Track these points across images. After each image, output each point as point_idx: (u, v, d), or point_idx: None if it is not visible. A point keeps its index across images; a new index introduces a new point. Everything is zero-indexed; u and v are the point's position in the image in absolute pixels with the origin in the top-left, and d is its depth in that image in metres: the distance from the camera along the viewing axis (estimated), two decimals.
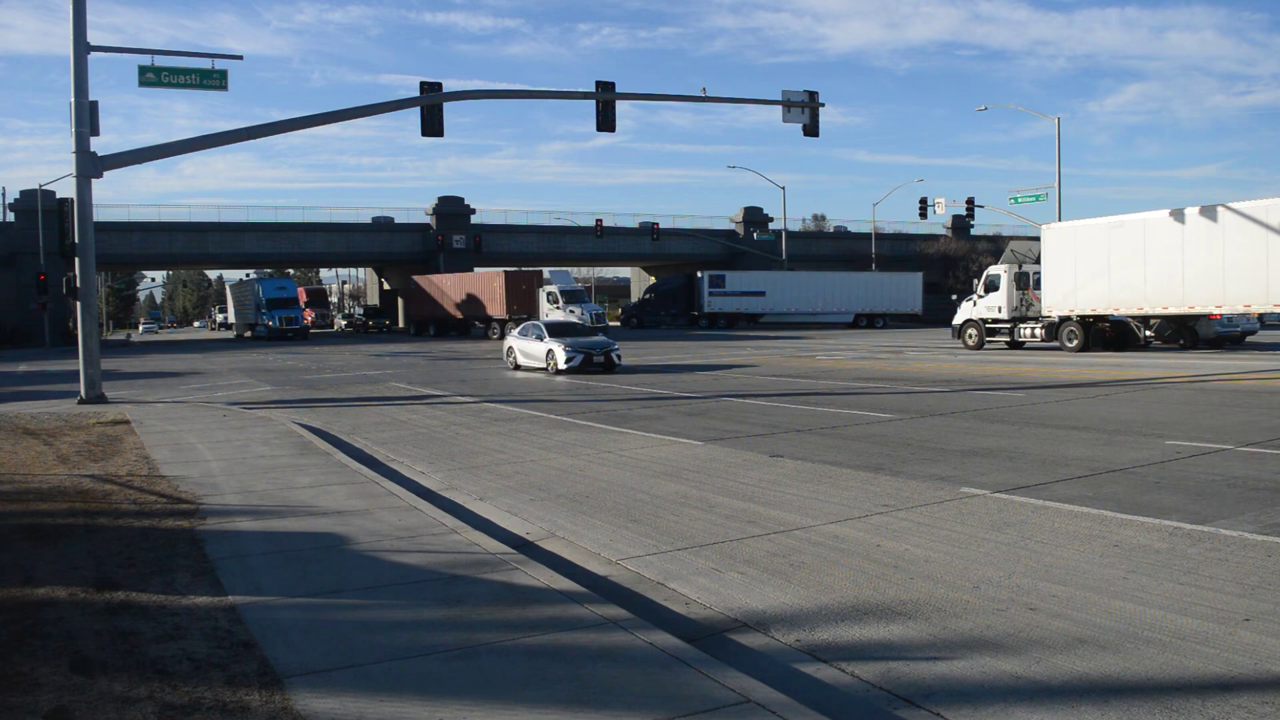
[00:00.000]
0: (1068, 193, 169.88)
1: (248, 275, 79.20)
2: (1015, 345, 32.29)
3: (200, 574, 6.20)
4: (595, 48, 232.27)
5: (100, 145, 18.74)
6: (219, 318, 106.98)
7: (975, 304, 33.15)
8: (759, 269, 69.35)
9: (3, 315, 57.50)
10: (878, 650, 4.89)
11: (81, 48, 18.26)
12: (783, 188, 66.01)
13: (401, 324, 70.10)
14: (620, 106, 25.58)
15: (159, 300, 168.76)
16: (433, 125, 22.58)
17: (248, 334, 66.32)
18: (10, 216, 58.19)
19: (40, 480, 9.74)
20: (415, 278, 59.46)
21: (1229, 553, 6.36)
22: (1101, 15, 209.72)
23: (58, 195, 40.40)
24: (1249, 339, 31.33)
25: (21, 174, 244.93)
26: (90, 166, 18.45)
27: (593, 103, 24.36)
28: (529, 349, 25.41)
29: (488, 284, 50.93)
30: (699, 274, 63.02)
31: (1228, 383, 18.22)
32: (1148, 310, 28.00)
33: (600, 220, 65.10)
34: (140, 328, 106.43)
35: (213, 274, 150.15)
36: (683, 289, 64.25)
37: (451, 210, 69.16)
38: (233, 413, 16.60)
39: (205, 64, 20.39)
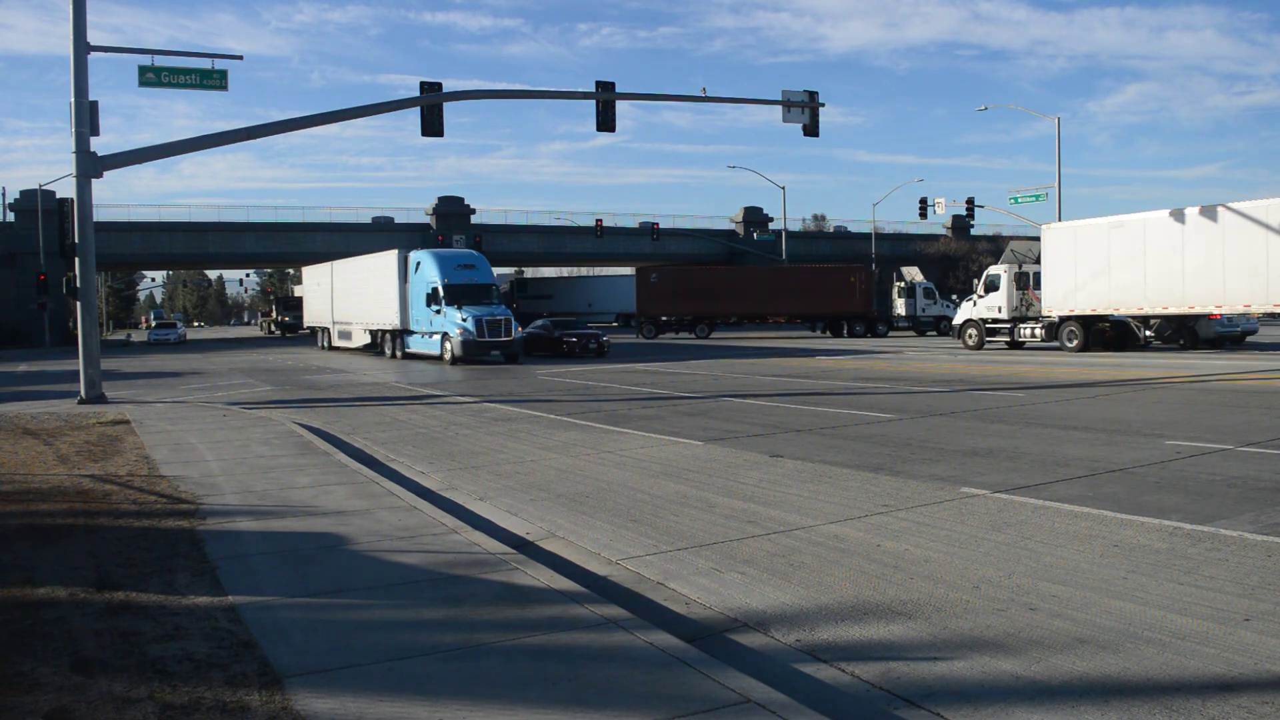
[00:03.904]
0: (1068, 193, 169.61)
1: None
2: (1015, 345, 32.30)
3: (200, 574, 6.19)
4: (595, 48, 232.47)
5: (100, 145, 18.78)
6: (282, 318, 75.60)
7: (975, 304, 33.17)
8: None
9: (3, 315, 57.50)
10: (878, 650, 4.89)
11: (81, 48, 18.26)
12: (783, 188, 65.96)
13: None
14: (620, 106, 25.60)
15: (159, 300, 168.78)
16: (433, 125, 22.58)
17: (395, 353, 34.39)
18: (10, 216, 58.26)
19: (40, 480, 9.73)
20: (663, 270, 52.64)
21: (1229, 553, 6.35)
22: (1101, 15, 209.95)
23: (58, 195, 40.43)
24: (1249, 339, 31.33)
25: (21, 174, 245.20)
26: (90, 166, 18.44)
27: (593, 103, 24.35)
28: None
29: (838, 278, 47.81)
30: None
31: (1228, 383, 18.22)
32: (1148, 310, 27.99)
33: (600, 220, 65.13)
34: (149, 330, 72.43)
35: (213, 274, 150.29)
36: None
37: (451, 210, 69.26)
38: (233, 413, 16.60)
39: (205, 64, 20.40)
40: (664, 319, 50.58)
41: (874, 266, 54.21)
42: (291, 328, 70.72)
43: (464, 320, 29.50)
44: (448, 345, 30.15)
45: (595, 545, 7.16)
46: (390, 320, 34.15)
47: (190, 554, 6.72)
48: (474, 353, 29.53)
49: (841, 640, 5.06)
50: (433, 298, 30.81)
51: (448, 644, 4.86)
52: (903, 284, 48.58)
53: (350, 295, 39.54)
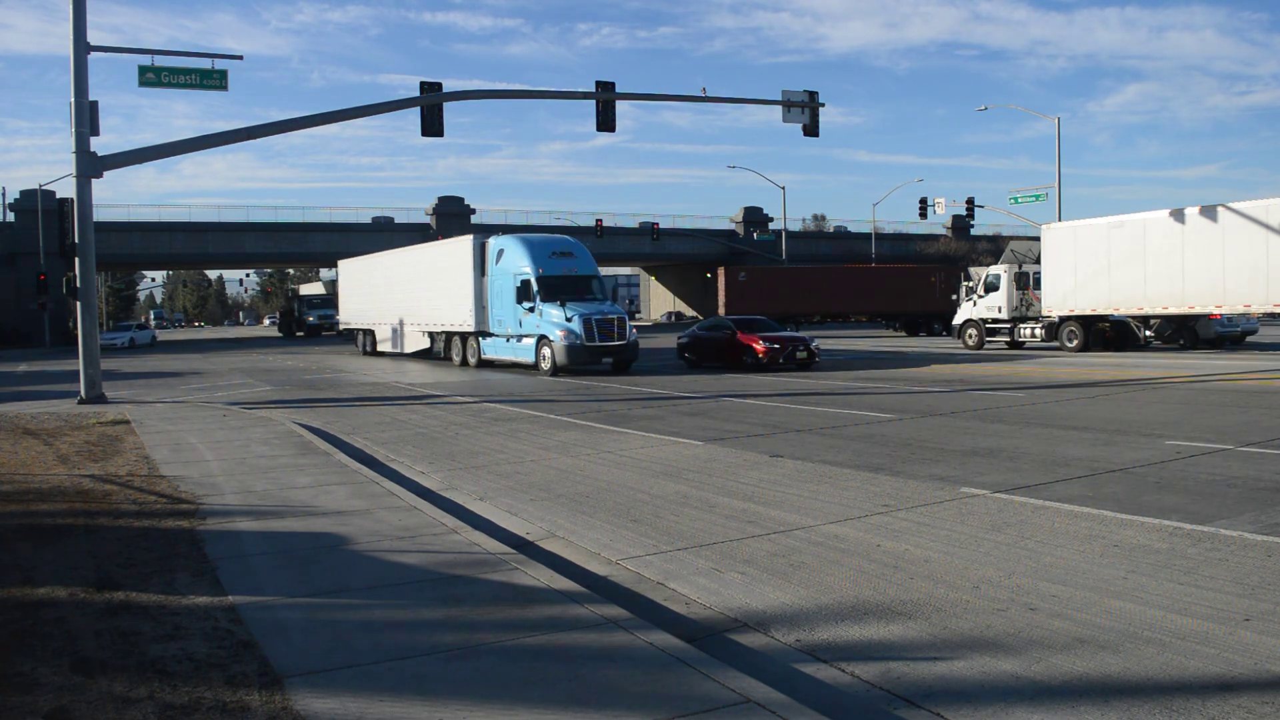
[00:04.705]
0: (1068, 193, 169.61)
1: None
2: (1015, 345, 32.29)
3: (200, 574, 6.19)
4: (595, 48, 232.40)
5: (100, 145, 18.78)
6: (303, 316, 68.40)
7: (975, 304, 33.18)
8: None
9: (3, 315, 57.51)
10: (878, 650, 4.89)
11: (81, 48, 18.26)
12: (783, 188, 66.02)
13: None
14: (620, 106, 25.60)
15: (159, 300, 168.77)
16: (433, 125, 22.58)
17: (468, 360, 28.73)
18: (10, 216, 58.33)
19: (40, 480, 9.73)
20: (752, 270, 51.96)
21: (1229, 553, 6.35)
22: (1101, 15, 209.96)
23: (58, 195, 40.36)
24: (1249, 339, 31.32)
25: (21, 174, 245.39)
26: (90, 166, 18.44)
27: (593, 103, 24.35)
28: None
29: (919, 278, 48.08)
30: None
31: (1228, 383, 18.22)
32: (1148, 310, 28.00)
33: (600, 220, 65.18)
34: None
35: (213, 274, 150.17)
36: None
37: (451, 210, 69.38)
38: (233, 413, 16.60)
39: (205, 64, 20.40)
40: (747, 314, 49.30)
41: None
42: (316, 328, 64.63)
43: (568, 320, 23.99)
44: (546, 351, 24.57)
45: (595, 545, 7.16)
46: (461, 320, 28.37)
47: (190, 554, 6.72)
48: (581, 360, 24.23)
49: (841, 640, 5.06)
50: (523, 293, 25.30)
51: (448, 644, 4.86)
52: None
53: (405, 290, 32.94)
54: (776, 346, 24.38)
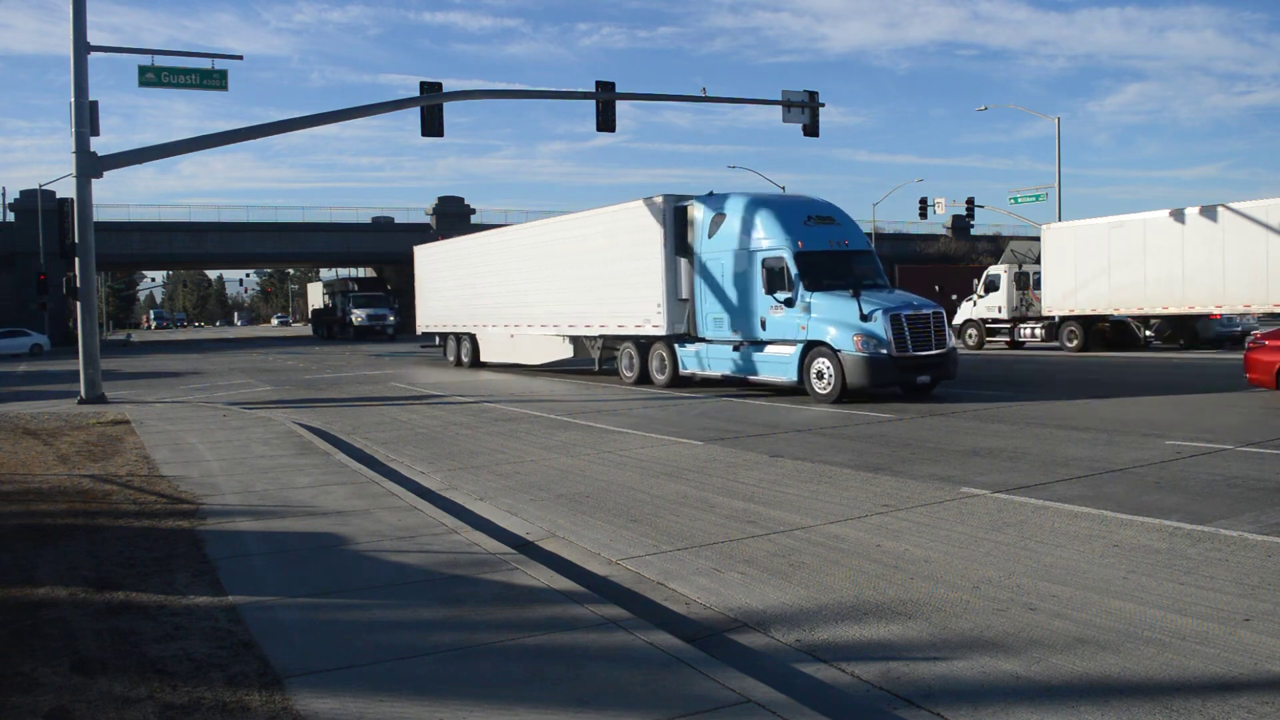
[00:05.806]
0: (1068, 193, 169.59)
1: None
2: (1015, 345, 32.29)
3: (200, 574, 6.20)
4: (595, 48, 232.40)
5: (100, 145, 18.78)
6: (345, 316, 58.04)
7: (975, 304, 33.18)
8: None
9: (3, 315, 57.51)
10: (878, 650, 4.89)
11: (81, 48, 18.27)
12: (783, 188, 65.73)
13: None
14: (620, 106, 25.55)
15: (159, 300, 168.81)
16: (433, 125, 22.58)
17: (654, 377, 19.85)
18: (10, 216, 58.33)
19: (40, 480, 9.74)
20: (906, 268, 50.00)
21: (1229, 553, 6.35)
22: (1101, 15, 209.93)
23: (58, 195, 40.36)
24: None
25: (21, 174, 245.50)
26: (90, 166, 18.45)
27: (593, 103, 24.34)
28: None
29: None
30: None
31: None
32: (1148, 310, 27.99)
33: None
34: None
35: (213, 274, 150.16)
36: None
37: (451, 210, 69.33)
38: (233, 413, 16.60)
39: (205, 64, 20.45)
40: None
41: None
42: (365, 330, 55.15)
43: (865, 319, 15.60)
44: (822, 366, 16.08)
45: (595, 545, 7.16)
46: (642, 319, 19.71)
47: (190, 554, 6.72)
48: (885, 379, 15.73)
49: (841, 640, 5.06)
50: (774, 279, 16.86)
51: (448, 644, 4.86)
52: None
53: (532, 279, 24.09)
54: None
